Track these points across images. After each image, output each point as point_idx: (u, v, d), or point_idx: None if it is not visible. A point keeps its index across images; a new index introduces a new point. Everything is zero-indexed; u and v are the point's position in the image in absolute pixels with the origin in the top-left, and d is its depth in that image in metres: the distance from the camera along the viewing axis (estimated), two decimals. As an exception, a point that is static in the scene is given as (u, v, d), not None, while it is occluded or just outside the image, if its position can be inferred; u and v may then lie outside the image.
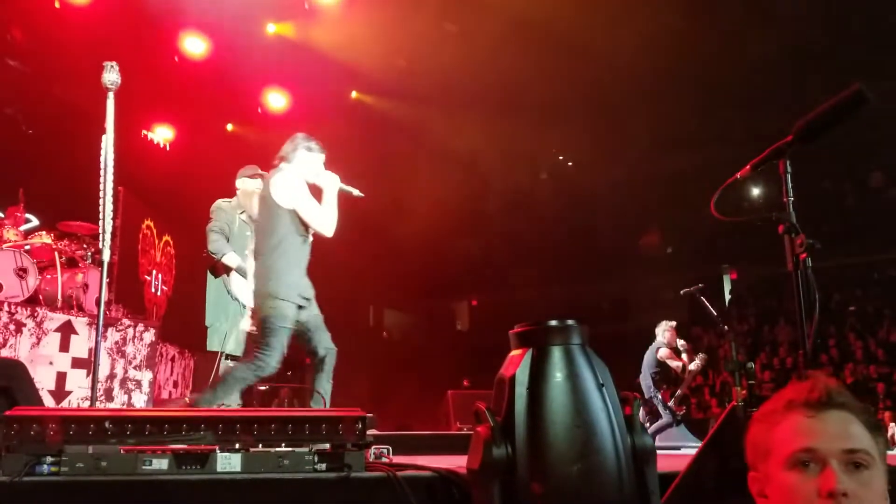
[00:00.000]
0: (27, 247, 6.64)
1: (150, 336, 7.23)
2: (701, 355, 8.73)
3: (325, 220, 4.18)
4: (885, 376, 13.42)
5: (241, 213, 5.15)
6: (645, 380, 8.65)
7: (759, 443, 1.44)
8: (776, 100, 12.66)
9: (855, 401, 1.37)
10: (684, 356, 8.64)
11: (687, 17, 10.86)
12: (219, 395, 4.11)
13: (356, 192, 4.43)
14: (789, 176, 2.26)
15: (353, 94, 12.87)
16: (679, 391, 8.47)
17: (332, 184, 4.29)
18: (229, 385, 4.16)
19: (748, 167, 2.36)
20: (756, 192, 17.18)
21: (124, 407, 6.68)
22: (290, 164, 4.29)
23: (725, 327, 7.29)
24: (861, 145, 14.64)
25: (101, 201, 4.19)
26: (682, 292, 7.78)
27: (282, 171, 4.25)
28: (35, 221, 7.12)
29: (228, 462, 2.30)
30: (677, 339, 8.81)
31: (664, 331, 8.75)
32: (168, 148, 12.04)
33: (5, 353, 5.78)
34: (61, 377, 6.25)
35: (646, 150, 15.29)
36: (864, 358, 14.25)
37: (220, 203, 5.15)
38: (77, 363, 6.39)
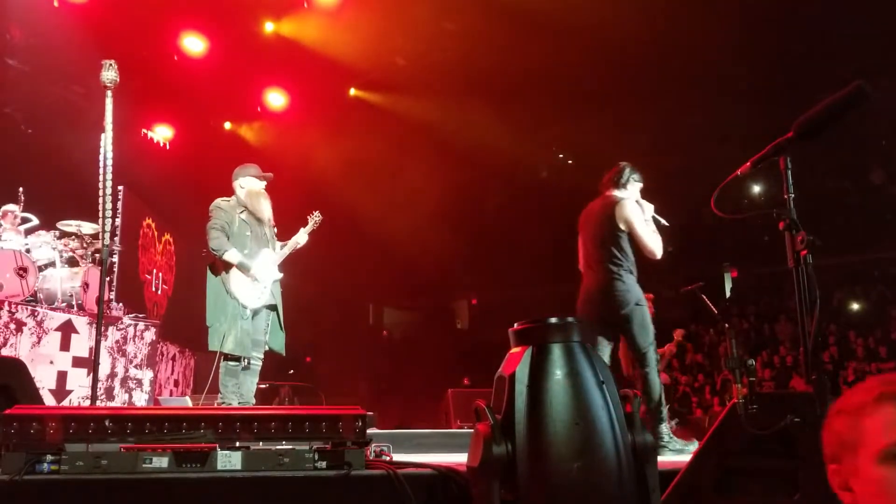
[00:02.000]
0: (27, 246, 6.64)
1: (150, 335, 7.24)
2: (678, 331, 8.48)
3: (656, 244, 4.80)
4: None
5: (241, 212, 5.14)
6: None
7: (845, 435, 1.36)
8: (777, 97, 12.65)
9: None
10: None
11: (688, 13, 10.84)
12: (657, 397, 4.61)
13: (664, 222, 4.97)
14: (790, 173, 2.25)
15: (352, 91, 12.86)
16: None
17: (650, 211, 4.93)
18: (656, 388, 4.65)
19: (748, 164, 2.36)
20: (756, 189, 17.16)
21: (125, 405, 6.69)
22: (625, 191, 4.92)
23: (726, 325, 7.27)
24: (862, 142, 14.63)
25: (100, 200, 4.19)
26: (682, 290, 7.77)
27: (624, 196, 4.87)
28: (35, 221, 7.12)
29: (229, 460, 2.30)
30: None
31: None
32: (168, 147, 12.04)
33: (6, 352, 5.78)
34: (62, 376, 6.26)
35: (645, 148, 15.27)
36: (865, 356, 14.23)
37: (220, 202, 5.14)
38: (78, 362, 6.39)
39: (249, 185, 5.24)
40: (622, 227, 4.77)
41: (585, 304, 4.93)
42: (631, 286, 4.74)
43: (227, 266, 4.94)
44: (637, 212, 4.81)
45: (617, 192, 4.92)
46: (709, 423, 7.64)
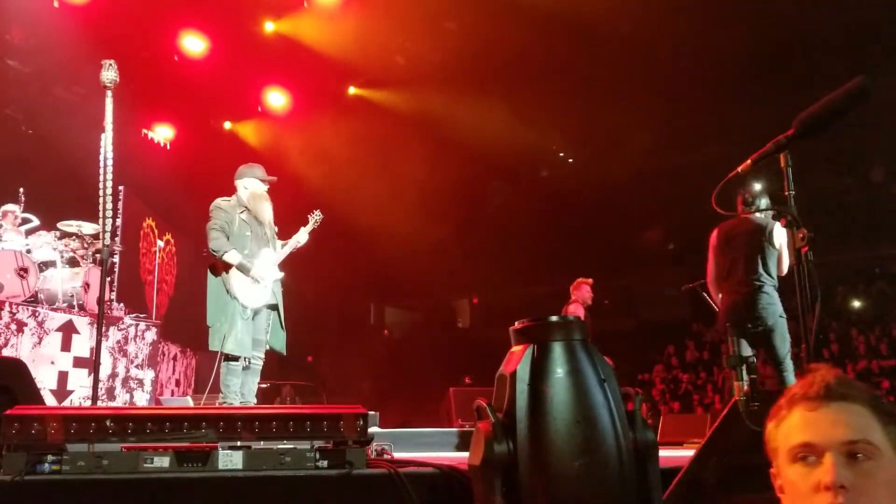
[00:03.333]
0: (28, 246, 6.63)
1: (151, 335, 7.24)
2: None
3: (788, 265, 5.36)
4: (888, 371, 13.41)
5: (241, 211, 5.12)
6: None
7: (770, 440, 1.45)
8: (779, 93, 12.63)
9: (862, 391, 1.37)
10: None
11: (689, 12, 10.82)
12: None
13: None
14: (790, 170, 2.25)
15: (351, 89, 12.85)
16: None
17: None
18: None
19: (749, 161, 2.35)
20: (758, 186, 17.15)
21: (126, 406, 6.69)
22: (768, 214, 5.55)
23: (727, 323, 7.22)
24: (864, 139, 14.60)
25: (100, 200, 4.19)
26: (683, 288, 7.75)
27: (771, 219, 5.49)
28: (35, 221, 7.12)
29: (230, 459, 2.29)
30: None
31: (577, 286, 8.22)
32: (168, 147, 12.04)
33: (7, 352, 5.79)
34: (63, 376, 6.26)
35: (648, 146, 15.26)
36: (866, 353, 14.22)
37: (220, 202, 5.12)
38: (79, 362, 6.39)
39: (253, 186, 5.22)
40: (777, 246, 5.37)
41: (732, 316, 5.43)
42: (776, 300, 5.37)
43: (228, 266, 4.93)
44: (785, 234, 5.32)
45: (763, 216, 5.56)
46: (711, 421, 7.62)
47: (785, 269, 5.43)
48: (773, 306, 5.35)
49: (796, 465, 1.35)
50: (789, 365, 5.27)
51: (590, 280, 8.29)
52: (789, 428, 1.38)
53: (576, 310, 7.98)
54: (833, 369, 1.41)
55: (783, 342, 5.30)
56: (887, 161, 16.41)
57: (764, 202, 5.53)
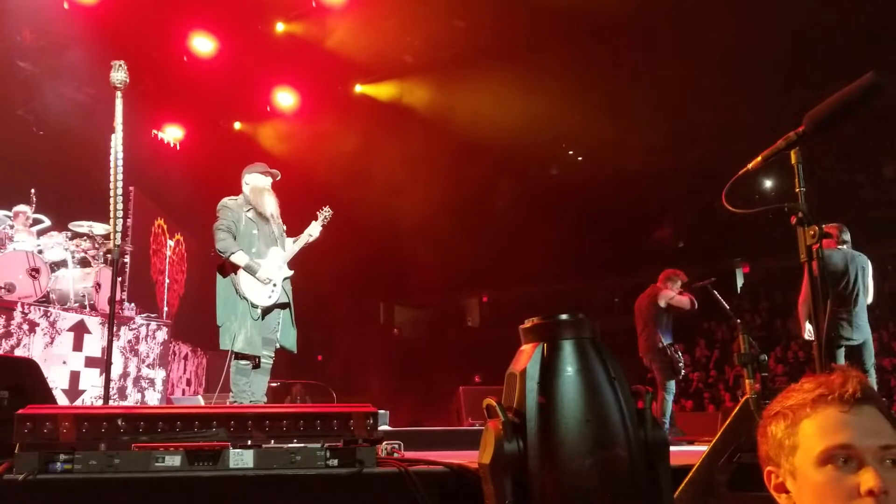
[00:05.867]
0: (39, 247, 6.67)
1: (162, 334, 7.27)
2: None
3: None
4: (899, 369, 13.32)
5: (248, 210, 5.13)
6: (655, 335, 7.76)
7: (782, 437, 1.37)
8: (789, 92, 12.57)
9: (879, 396, 1.33)
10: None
11: (702, 9, 10.78)
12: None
13: None
14: (801, 166, 2.23)
15: (359, 87, 12.85)
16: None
17: None
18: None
19: (759, 158, 2.33)
20: (768, 183, 17.07)
21: (138, 405, 6.72)
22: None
23: (738, 321, 7.14)
24: (875, 135, 14.51)
25: (111, 201, 4.21)
26: (693, 286, 7.72)
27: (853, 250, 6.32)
28: (47, 222, 7.16)
29: (241, 458, 2.30)
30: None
31: (672, 276, 7.97)
32: (178, 147, 12.09)
33: (19, 352, 5.82)
34: (75, 376, 6.30)
35: (658, 144, 15.21)
36: (878, 350, 14.11)
37: (226, 201, 5.13)
38: (90, 362, 6.43)
39: (255, 181, 5.23)
40: (870, 274, 6.21)
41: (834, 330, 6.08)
42: (867, 320, 6.18)
43: (236, 267, 4.94)
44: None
45: (848, 248, 6.31)
46: (722, 419, 7.58)
47: (871, 293, 6.24)
48: (867, 324, 6.14)
49: (827, 468, 1.28)
50: (873, 375, 6.13)
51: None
52: (820, 428, 1.30)
53: (682, 297, 7.91)
54: (855, 370, 1.36)
55: (872, 355, 6.13)
56: (899, 157, 16.30)
57: (846, 235, 6.35)
